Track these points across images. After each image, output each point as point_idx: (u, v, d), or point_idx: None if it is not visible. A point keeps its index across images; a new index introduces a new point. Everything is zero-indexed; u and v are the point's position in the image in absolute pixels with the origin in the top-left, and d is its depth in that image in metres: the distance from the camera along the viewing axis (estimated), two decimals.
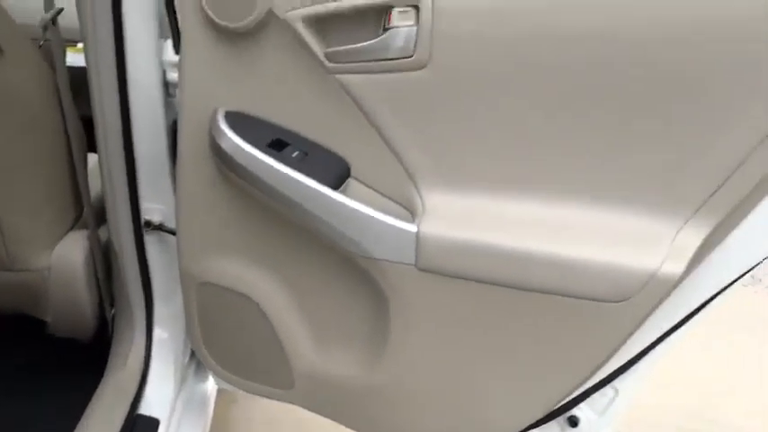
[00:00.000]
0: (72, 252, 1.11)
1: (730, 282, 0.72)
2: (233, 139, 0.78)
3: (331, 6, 0.73)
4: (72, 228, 1.15)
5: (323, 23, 0.75)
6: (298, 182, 0.77)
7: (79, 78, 1.02)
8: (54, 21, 0.94)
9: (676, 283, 0.67)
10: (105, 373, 1.13)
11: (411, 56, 0.71)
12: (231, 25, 0.76)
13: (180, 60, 0.83)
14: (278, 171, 0.77)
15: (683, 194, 0.68)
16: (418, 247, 0.75)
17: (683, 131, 0.66)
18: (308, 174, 0.77)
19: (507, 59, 0.69)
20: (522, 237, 0.72)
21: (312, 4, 0.73)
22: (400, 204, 0.81)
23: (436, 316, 0.80)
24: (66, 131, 1.06)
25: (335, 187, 0.79)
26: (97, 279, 1.17)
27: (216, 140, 0.80)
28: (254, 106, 0.82)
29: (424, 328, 0.82)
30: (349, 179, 0.82)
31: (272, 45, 0.77)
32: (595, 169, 0.71)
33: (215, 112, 0.81)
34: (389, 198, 0.82)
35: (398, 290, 0.79)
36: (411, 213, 0.79)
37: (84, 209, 1.13)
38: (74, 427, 1.03)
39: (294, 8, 0.74)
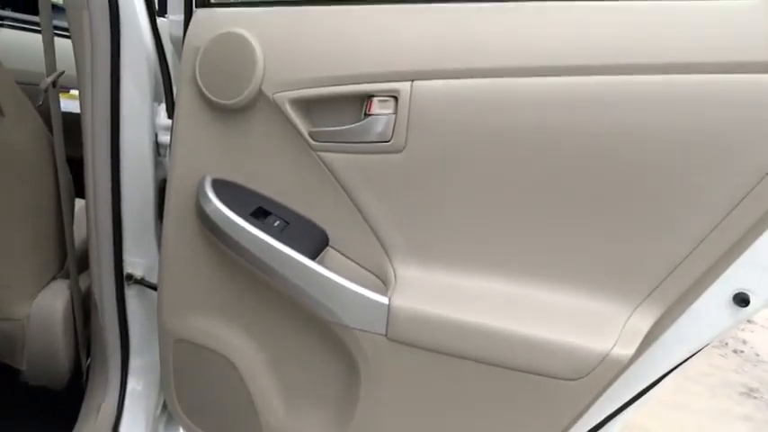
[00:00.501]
0: (53, 302, 1.13)
1: (680, 362, 0.77)
2: (217, 206, 0.82)
3: (316, 91, 0.79)
4: (55, 277, 1.18)
5: (309, 105, 0.81)
6: (277, 250, 0.81)
7: (70, 122, 1.07)
8: (55, 84, 0.99)
9: (626, 364, 0.72)
10: (77, 423, 1.13)
11: (389, 141, 0.77)
12: (223, 102, 0.82)
13: (173, 126, 0.88)
14: (259, 239, 0.81)
15: (634, 281, 0.74)
16: (389, 318, 0.79)
17: (635, 225, 0.72)
18: (287, 243, 0.81)
19: (476, 150, 0.75)
20: (486, 313, 0.76)
21: (299, 87, 0.79)
22: (375, 276, 0.86)
23: (404, 384, 0.83)
24: (56, 186, 1.10)
25: (313, 257, 0.83)
26: (75, 328, 1.18)
27: (201, 206, 0.84)
28: (241, 176, 0.87)
29: (393, 395, 0.85)
30: (327, 248, 0.87)
31: (260, 121, 0.82)
32: (555, 254, 0.76)
33: (203, 179, 0.85)
34: (365, 269, 0.86)
35: (369, 358, 0.83)
36: (385, 285, 0.84)
37: (68, 259, 1.15)
38: None
39: (282, 90, 0.80)
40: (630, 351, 0.71)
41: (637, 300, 0.74)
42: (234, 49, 0.80)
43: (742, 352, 3.09)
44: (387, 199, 0.81)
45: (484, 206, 0.77)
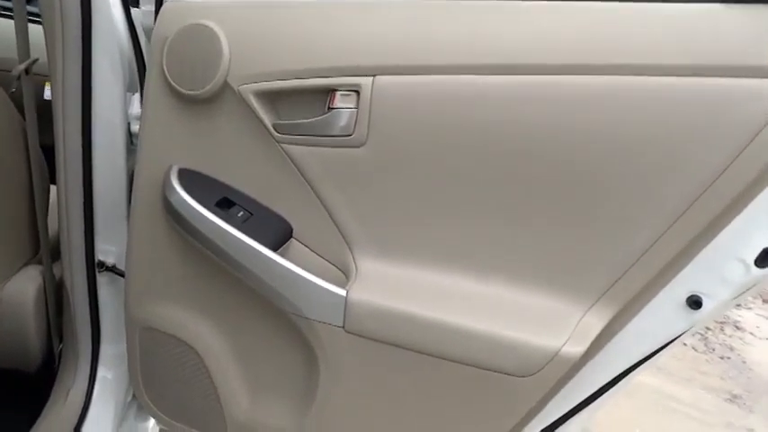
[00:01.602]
0: (24, 286, 1.14)
1: (636, 363, 0.78)
2: (182, 196, 0.83)
3: (281, 84, 0.79)
4: (29, 262, 1.18)
5: (273, 97, 0.81)
6: (239, 241, 0.81)
7: (48, 109, 1.07)
8: (27, 71, 1.00)
9: (578, 363, 0.72)
10: (46, 406, 1.14)
11: (350, 134, 0.78)
12: (189, 92, 0.82)
13: (140, 117, 0.89)
14: (222, 229, 0.82)
15: (588, 280, 0.75)
16: (346, 310, 0.79)
17: (591, 224, 0.73)
18: (250, 233, 0.82)
19: (436, 146, 0.75)
20: (442, 308, 0.77)
21: (264, 80, 0.80)
22: (337, 267, 0.87)
23: (361, 376, 0.84)
24: (29, 173, 1.11)
25: (275, 248, 0.84)
26: (48, 313, 1.19)
27: (166, 195, 0.85)
28: (207, 166, 0.87)
29: (350, 385, 0.86)
30: (291, 240, 0.88)
31: (225, 112, 0.83)
32: (511, 250, 0.77)
33: (169, 169, 0.86)
34: (328, 261, 0.87)
35: (327, 349, 0.83)
36: (346, 277, 0.84)
37: (42, 247, 1.16)
38: None
39: (247, 83, 0.80)
40: (581, 349, 0.72)
41: (591, 299, 0.75)
42: (200, 41, 0.80)
43: (728, 358, 3.11)
44: (348, 193, 0.81)
45: (442, 202, 0.78)
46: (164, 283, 0.95)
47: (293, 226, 0.87)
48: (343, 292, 0.79)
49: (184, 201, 0.83)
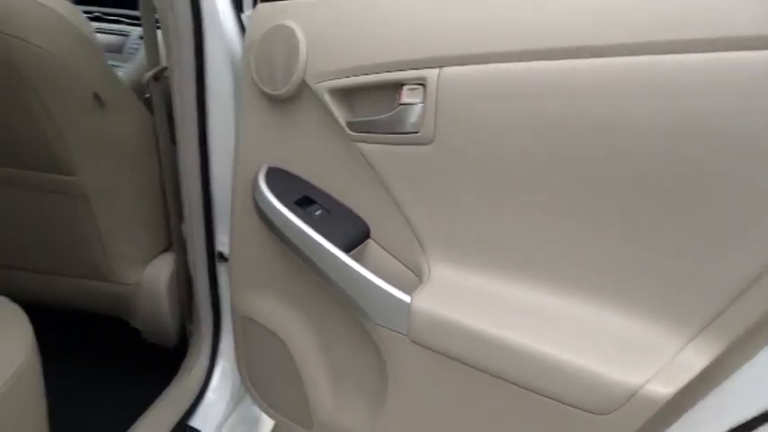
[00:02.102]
0: (159, 272, 1.27)
1: (752, 419, 0.62)
2: (266, 195, 0.85)
3: (352, 81, 0.77)
4: (165, 250, 1.32)
5: (347, 94, 0.79)
6: (313, 240, 0.81)
7: None
8: (157, 77, 1.11)
9: (665, 406, 0.59)
10: (172, 381, 1.26)
11: (418, 131, 0.73)
12: (272, 92, 0.84)
13: (236, 117, 0.93)
14: (297, 227, 0.82)
15: (689, 306, 0.61)
16: (410, 318, 0.75)
17: (694, 237, 0.59)
18: (324, 233, 0.81)
19: (510, 143, 0.67)
20: (511, 325, 0.69)
21: (337, 77, 0.78)
22: (412, 271, 0.82)
23: (425, 386, 0.79)
24: (161, 171, 1.23)
25: (349, 248, 0.82)
26: (180, 298, 1.32)
27: (254, 193, 0.88)
28: (292, 164, 0.89)
29: (415, 394, 0.81)
30: (368, 240, 0.85)
31: (305, 111, 0.83)
32: (599, 265, 0.66)
33: (259, 168, 0.89)
34: (402, 263, 0.83)
35: (392, 356, 0.80)
36: (420, 282, 0.80)
37: (174, 237, 1.28)
38: (130, 417, 1.17)
39: (322, 80, 0.79)
40: (672, 389, 0.59)
41: (690, 329, 0.61)
42: (282, 41, 0.82)
43: None
44: (419, 193, 0.77)
45: (519, 206, 0.69)
46: (258, 277, 0.99)
47: (370, 226, 0.84)
48: (407, 299, 0.75)
49: (267, 198, 0.85)
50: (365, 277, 0.78)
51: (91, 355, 1.49)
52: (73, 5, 1.01)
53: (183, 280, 1.30)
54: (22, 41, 0.94)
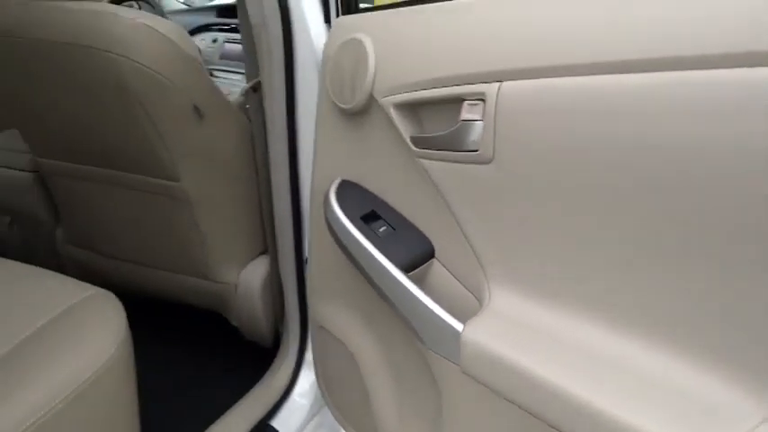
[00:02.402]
0: (254, 274, 1.34)
1: None
2: (334, 208, 0.85)
3: (416, 95, 0.75)
4: (259, 255, 1.39)
5: (411, 109, 0.77)
6: (373, 257, 0.80)
7: None
8: (255, 89, 1.16)
9: None
10: (259, 381, 1.32)
11: (477, 150, 0.68)
12: (344, 106, 0.84)
13: (315, 133, 0.95)
14: (359, 243, 0.81)
15: None
16: (461, 348, 0.71)
17: None
18: (386, 251, 0.80)
19: (576, 164, 0.60)
20: (570, 370, 0.61)
21: (401, 92, 0.76)
22: (474, 296, 0.78)
23: (479, 421, 0.74)
24: (257, 178, 1.29)
25: (410, 268, 0.80)
26: (273, 300, 1.37)
27: (324, 207, 0.89)
28: (363, 178, 0.88)
29: (468, 427, 0.76)
30: (432, 260, 0.82)
31: (374, 126, 0.82)
32: (678, 307, 0.56)
33: (332, 182, 0.89)
34: (465, 287, 0.79)
35: (446, 384, 0.76)
36: (480, 307, 0.75)
37: (269, 242, 1.35)
38: (217, 411, 1.23)
39: (388, 95, 0.78)
40: None
41: None
42: (353, 55, 0.81)
43: None
44: (482, 213, 0.72)
45: (586, 233, 0.62)
46: (332, 287, 0.99)
47: (435, 245, 0.81)
48: (460, 327, 0.71)
49: (335, 212, 0.85)
50: (419, 300, 0.75)
51: (190, 348, 1.60)
52: (175, 24, 1.10)
53: (277, 283, 1.35)
54: (129, 60, 1.04)
